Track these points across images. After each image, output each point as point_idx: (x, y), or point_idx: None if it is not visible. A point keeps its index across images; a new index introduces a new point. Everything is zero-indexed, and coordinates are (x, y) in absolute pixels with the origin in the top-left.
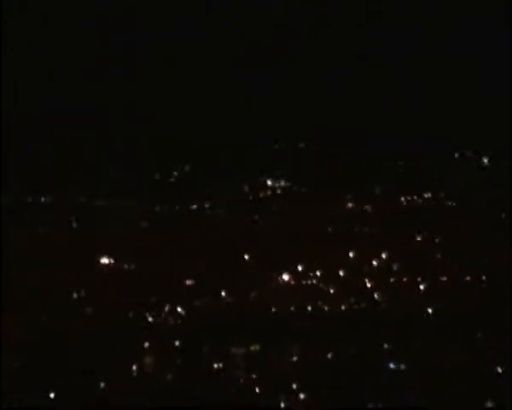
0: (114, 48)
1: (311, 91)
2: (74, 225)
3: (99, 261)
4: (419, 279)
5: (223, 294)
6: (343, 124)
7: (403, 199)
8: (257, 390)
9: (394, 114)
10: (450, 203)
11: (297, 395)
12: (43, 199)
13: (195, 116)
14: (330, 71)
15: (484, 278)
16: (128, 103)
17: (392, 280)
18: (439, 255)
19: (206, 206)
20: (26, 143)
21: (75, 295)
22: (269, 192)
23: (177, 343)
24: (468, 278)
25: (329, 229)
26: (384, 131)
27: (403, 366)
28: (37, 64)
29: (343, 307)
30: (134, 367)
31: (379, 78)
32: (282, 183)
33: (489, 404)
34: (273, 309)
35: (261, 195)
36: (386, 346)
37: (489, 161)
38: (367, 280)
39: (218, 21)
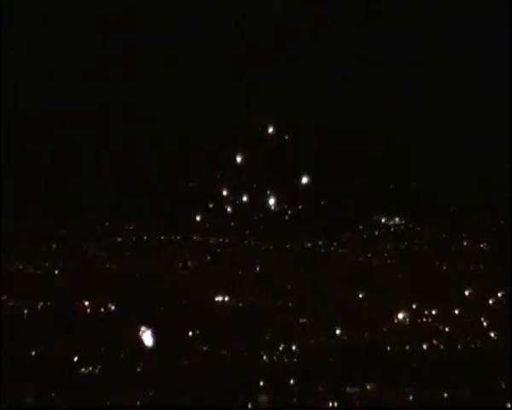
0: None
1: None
2: (189, 263)
3: (214, 300)
4: None
5: (337, 332)
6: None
7: None
8: None
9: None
10: None
11: None
12: (156, 237)
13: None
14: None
15: None
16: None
17: (508, 318)
18: None
19: (320, 243)
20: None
21: (190, 333)
22: (383, 230)
23: (291, 382)
24: None
25: (444, 267)
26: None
27: None
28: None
29: (459, 347)
30: (249, 405)
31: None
32: (397, 220)
33: None
34: (388, 348)
35: (376, 233)
36: (503, 386)
37: None
38: (483, 319)
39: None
